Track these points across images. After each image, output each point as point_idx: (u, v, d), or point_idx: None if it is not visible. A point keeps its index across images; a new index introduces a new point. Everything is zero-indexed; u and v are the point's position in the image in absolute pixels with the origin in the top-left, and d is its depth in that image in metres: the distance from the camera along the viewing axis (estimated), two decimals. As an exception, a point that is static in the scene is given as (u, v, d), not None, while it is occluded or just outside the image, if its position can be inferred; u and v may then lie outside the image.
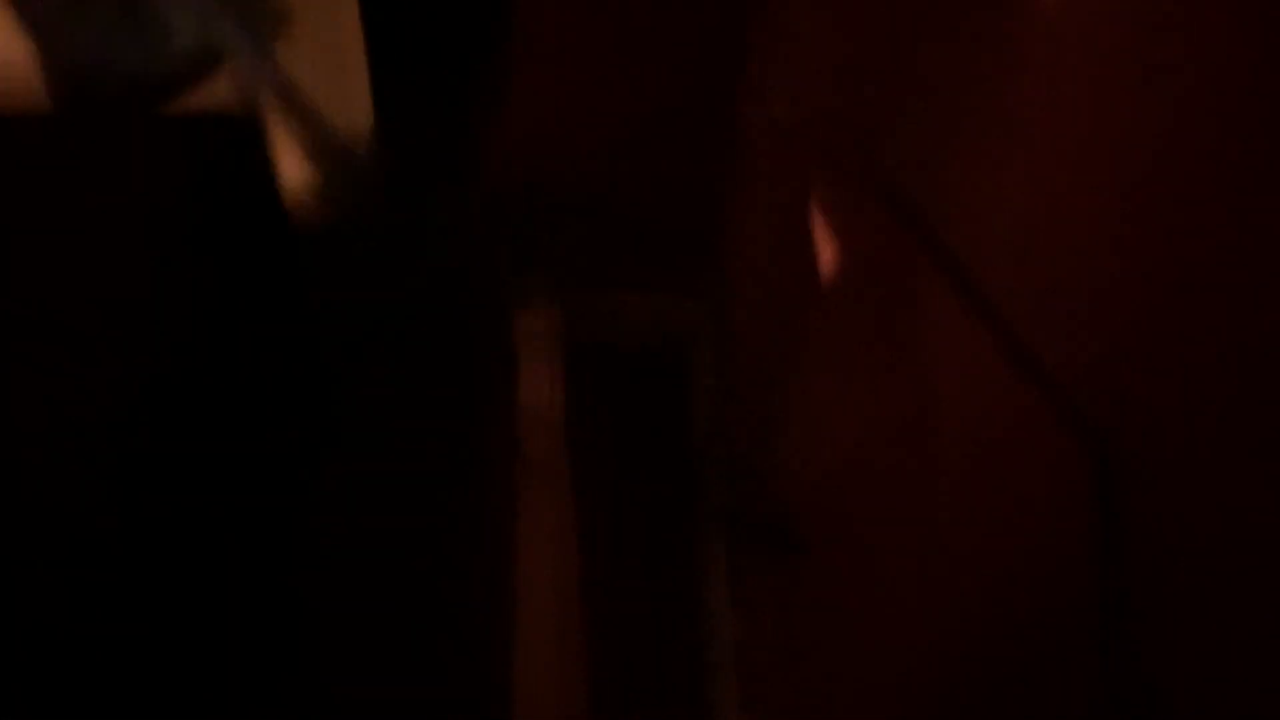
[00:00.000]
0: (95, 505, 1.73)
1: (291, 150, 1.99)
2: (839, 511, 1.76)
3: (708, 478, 2.11)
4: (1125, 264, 1.21)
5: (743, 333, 2.08)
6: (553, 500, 2.04)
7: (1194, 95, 1.09)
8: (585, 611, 2.01)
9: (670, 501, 2.13)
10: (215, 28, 1.96)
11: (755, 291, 2.01)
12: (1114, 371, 1.21)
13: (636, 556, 2.10)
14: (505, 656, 1.95)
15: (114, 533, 1.73)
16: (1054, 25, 1.29)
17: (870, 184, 1.60)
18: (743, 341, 2.06)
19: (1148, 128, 1.16)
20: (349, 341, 1.94)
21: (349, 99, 1.99)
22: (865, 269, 1.63)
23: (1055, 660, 1.27)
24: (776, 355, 1.92)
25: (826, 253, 1.69)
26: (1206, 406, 1.10)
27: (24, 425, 1.74)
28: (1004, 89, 1.37)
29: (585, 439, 2.11)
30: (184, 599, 1.75)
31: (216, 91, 1.97)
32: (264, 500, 1.81)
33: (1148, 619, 1.14)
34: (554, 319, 2.06)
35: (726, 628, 2.04)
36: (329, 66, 2.01)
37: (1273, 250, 1.00)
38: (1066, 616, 1.25)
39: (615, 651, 2.06)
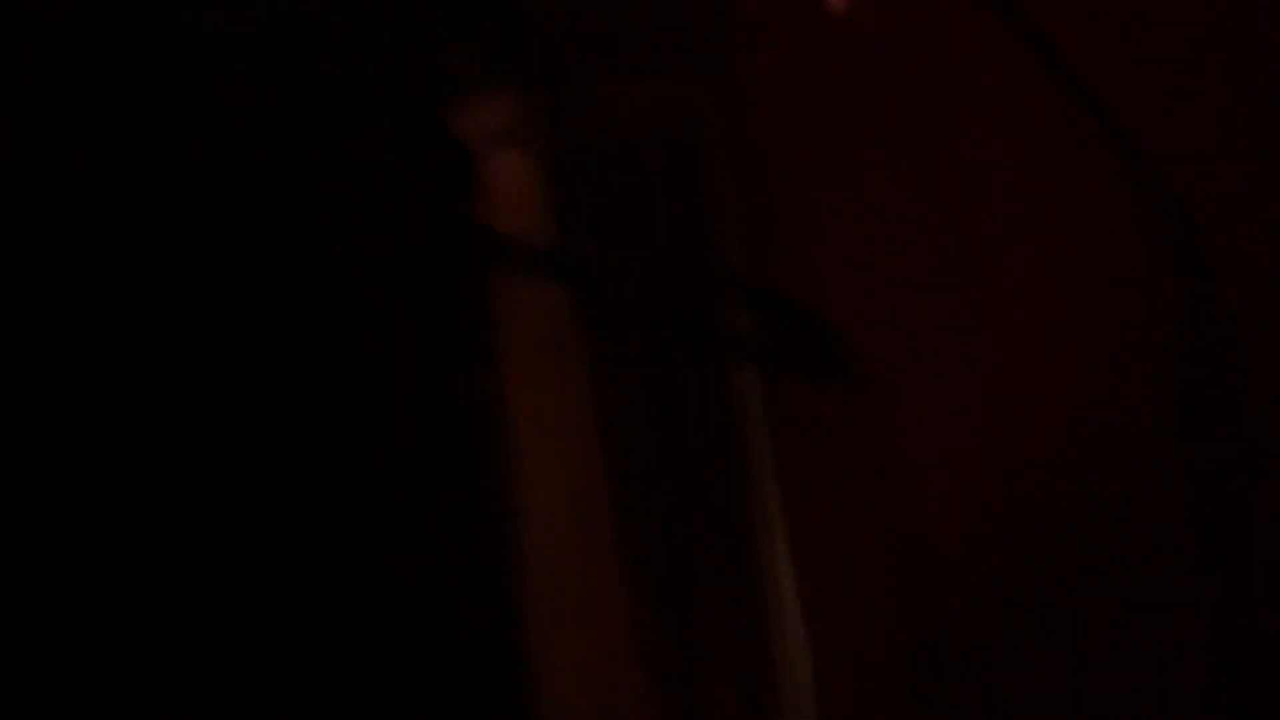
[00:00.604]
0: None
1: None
2: (894, 335, 1.61)
3: (732, 302, 1.90)
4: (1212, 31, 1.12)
5: (767, 125, 1.87)
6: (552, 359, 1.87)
7: None
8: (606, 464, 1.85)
9: (688, 330, 1.93)
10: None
11: (784, 70, 1.81)
12: (1196, 137, 1.11)
13: (657, 401, 1.92)
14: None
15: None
16: None
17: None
18: (769, 135, 1.85)
19: None
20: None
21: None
22: (927, 46, 1.48)
23: (1137, 474, 1.16)
24: (813, 154, 1.74)
25: (876, 27, 1.53)
26: None
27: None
28: None
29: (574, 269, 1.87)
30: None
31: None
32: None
33: (1246, 382, 1.02)
34: (525, 114, 1.83)
35: (768, 475, 1.88)
36: None
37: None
38: (1147, 424, 1.13)
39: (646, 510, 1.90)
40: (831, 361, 1.60)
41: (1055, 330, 1.30)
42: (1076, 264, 1.26)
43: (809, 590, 1.89)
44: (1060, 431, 1.29)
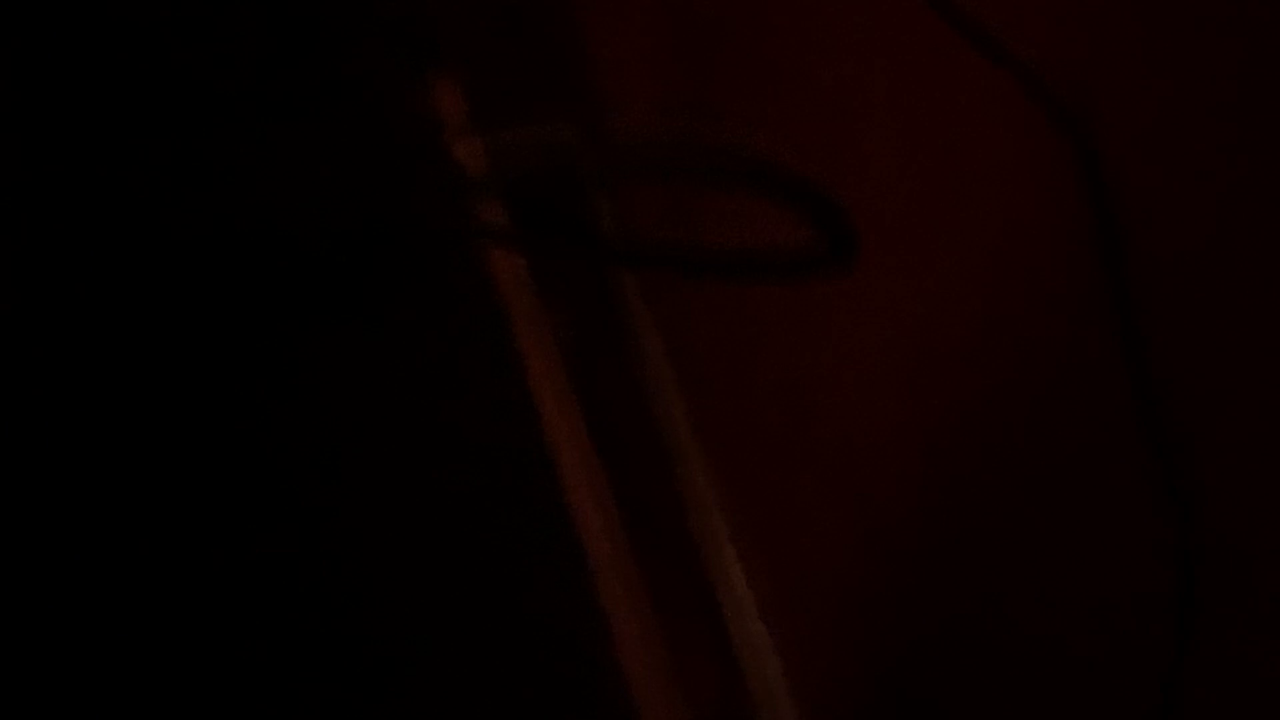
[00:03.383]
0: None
1: None
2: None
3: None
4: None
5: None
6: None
7: None
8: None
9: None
10: None
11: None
12: (1086, 56, 1.10)
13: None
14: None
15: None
16: None
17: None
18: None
19: None
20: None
21: None
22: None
23: (1066, 368, 1.16)
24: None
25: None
26: (1178, 75, 1.01)
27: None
28: None
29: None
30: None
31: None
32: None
33: (1151, 287, 1.02)
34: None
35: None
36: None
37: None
38: (1070, 308, 1.13)
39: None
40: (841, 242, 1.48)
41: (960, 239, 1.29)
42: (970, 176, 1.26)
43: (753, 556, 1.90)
44: (980, 350, 1.29)
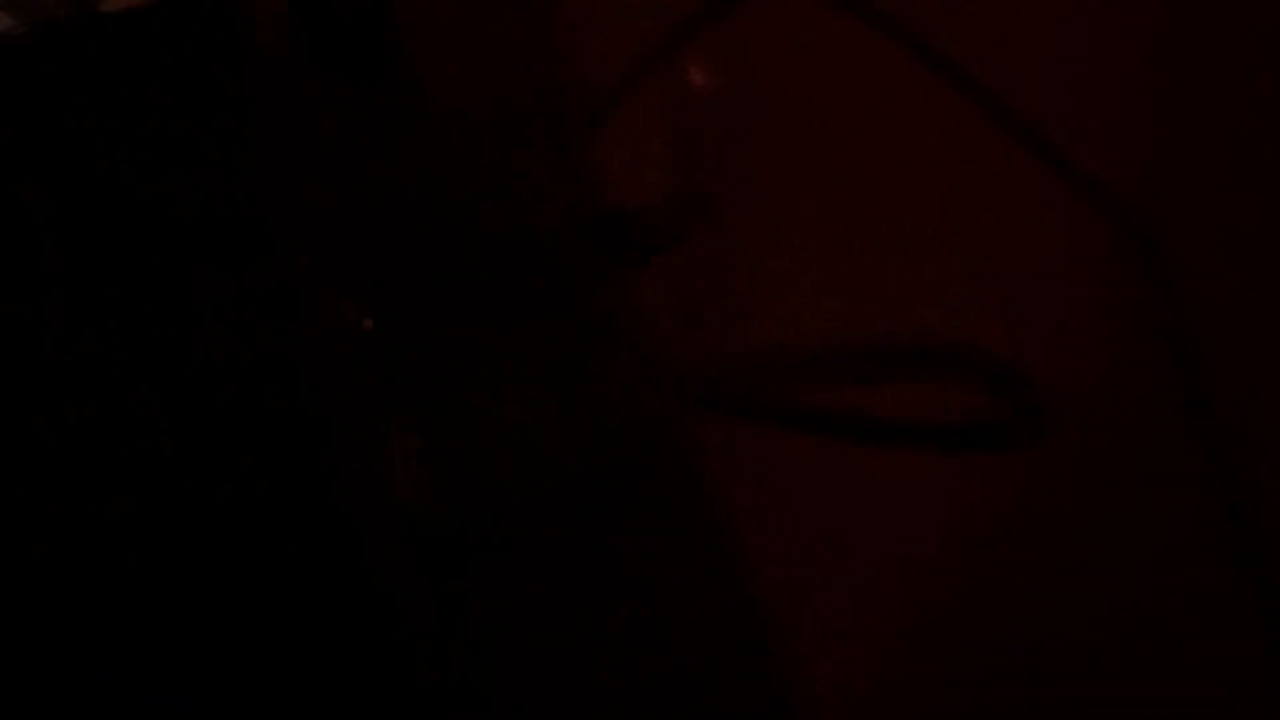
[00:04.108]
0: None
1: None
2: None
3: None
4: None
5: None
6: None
7: None
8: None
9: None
10: None
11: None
12: (1152, 167, 1.11)
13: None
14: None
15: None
16: None
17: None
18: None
19: None
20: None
21: None
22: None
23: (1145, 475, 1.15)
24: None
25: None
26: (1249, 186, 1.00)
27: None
28: None
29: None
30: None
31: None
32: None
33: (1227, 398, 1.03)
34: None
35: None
36: None
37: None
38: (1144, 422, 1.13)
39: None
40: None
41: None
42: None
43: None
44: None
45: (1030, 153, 1.18)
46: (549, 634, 1.61)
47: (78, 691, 1.52)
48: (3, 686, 1.50)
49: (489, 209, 1.71)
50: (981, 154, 1.27)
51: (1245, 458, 1.06)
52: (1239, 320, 1.05)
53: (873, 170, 1.48)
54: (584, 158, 1.69)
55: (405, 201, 1.67)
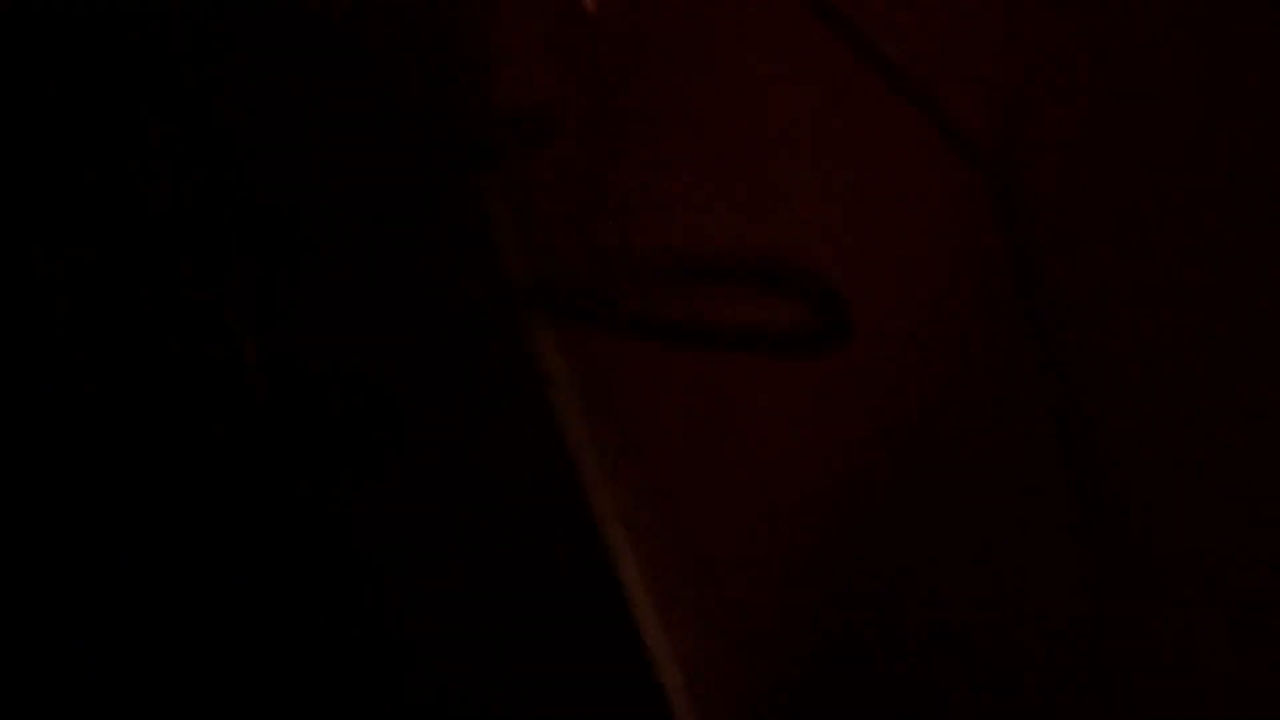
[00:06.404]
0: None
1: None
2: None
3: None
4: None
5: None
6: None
7: None
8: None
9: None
10: None
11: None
12: (1008, 111, 1.18)
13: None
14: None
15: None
16: None
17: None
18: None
19: None
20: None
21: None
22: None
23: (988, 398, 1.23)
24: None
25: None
26: (1101, 132, 1.10)
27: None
28: None
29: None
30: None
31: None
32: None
33: (1070, 326, 1.11)
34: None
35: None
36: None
37: None
38: (990, 348, 1.21)
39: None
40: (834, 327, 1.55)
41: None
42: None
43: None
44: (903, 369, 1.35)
45: (896, 94, 1.25)
46: (388, 513, 1.65)
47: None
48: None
49: (354, 84, 1.75)
50: (850, 92, 1.34)
51: (1078, 380, 1.15)
52: (1083, 264, 1.13)
53: (743, 99, 1.55)
54: (463, 51, 1.74)
55: (271, 68, 1.68)
